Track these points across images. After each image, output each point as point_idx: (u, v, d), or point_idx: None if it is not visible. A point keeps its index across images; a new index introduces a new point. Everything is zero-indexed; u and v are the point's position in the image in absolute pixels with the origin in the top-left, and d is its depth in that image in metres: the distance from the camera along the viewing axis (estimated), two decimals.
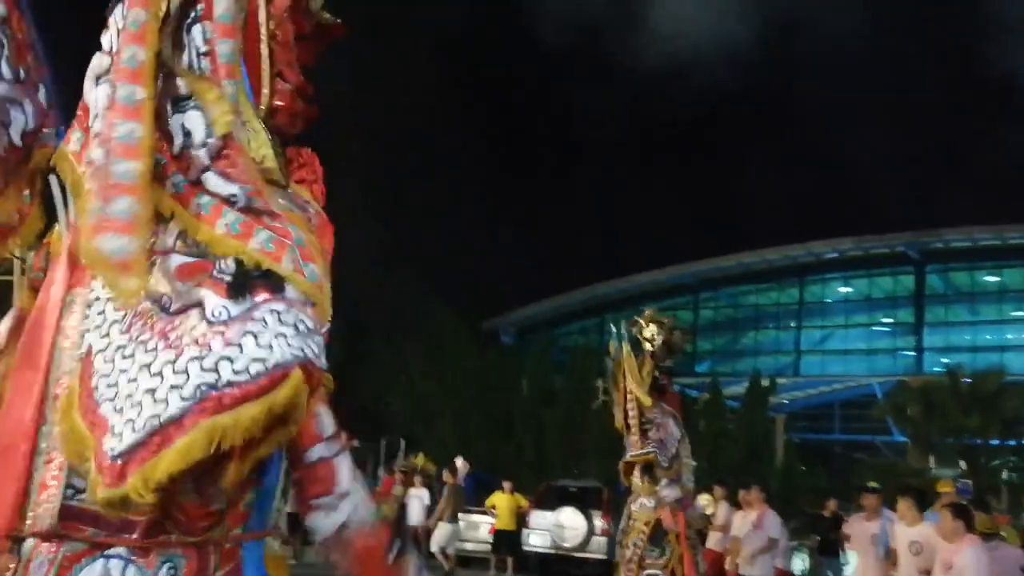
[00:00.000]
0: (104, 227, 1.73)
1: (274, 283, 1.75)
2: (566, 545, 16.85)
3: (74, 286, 1.88)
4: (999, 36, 73.87)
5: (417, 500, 16.06)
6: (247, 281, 1.74)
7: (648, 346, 9.16)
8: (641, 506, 8.67)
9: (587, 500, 17.19)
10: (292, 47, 2.09)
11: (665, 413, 8.86)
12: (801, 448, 34.04)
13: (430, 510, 16.14)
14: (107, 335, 1.77)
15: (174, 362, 1.67)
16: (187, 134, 1.83)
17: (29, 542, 1.77)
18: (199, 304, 1.72)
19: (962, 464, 27.03)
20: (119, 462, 1.64)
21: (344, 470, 2.04)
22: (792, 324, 48.81)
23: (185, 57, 1.89)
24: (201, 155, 1.81)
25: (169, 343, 1.69)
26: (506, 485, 17.48)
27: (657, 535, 8.56)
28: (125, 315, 1.77)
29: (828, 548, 15.93)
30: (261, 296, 1.72)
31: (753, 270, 48.13)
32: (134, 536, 1.75)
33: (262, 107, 2.02)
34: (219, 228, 1.78)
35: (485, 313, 45.82)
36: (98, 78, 1.90)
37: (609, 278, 50.62)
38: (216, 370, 1.64)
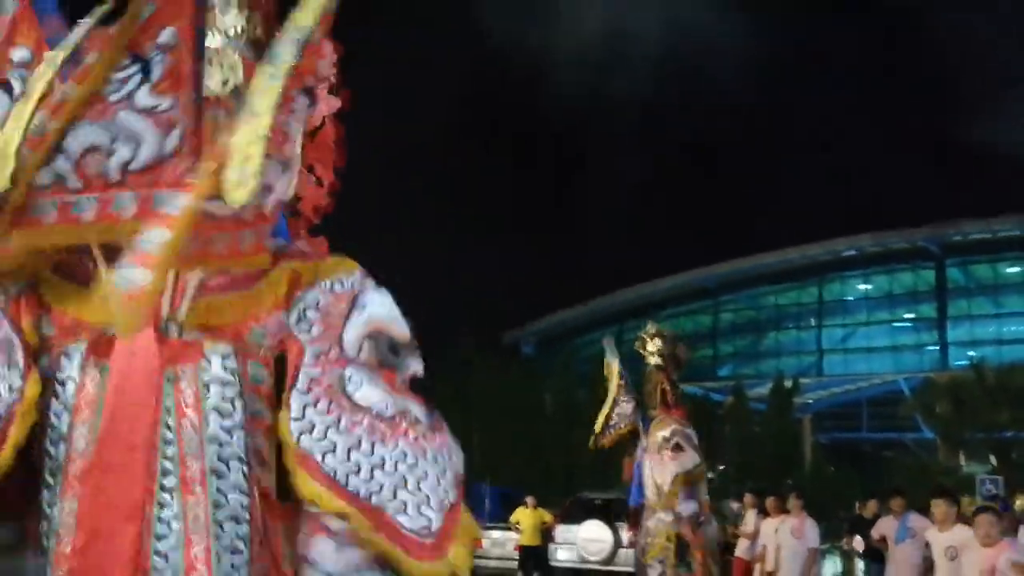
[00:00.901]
0: (134, 259, 1.73)
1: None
2: (592, 559, 16.67)
3: (176, 361, 1.92)
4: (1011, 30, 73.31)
5: None
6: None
7: (656, 360, 9.10)
8: (659, 521, 8.56)
9: (613, 512, 16.99)
10: (331, 148, 2.22)
11: (684, 425, 8.77)
12: (829, 449, 33.71)
13: None
14: (321, 435, 1.97)
15: (425, 456, 2.01)
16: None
17: None
18: (407, 410, 2.03)
19: (992, 460, 26.65)
20: (432, 540, 1.96)
21: None
22: (813, 323, 48.45)
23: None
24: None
25: (410, 440, 2.00)
26: (529, 500, 17.31)
27: (682, 551, 8.49)
28: (331, 416, 1.99)
29: (875, 552, 15.65)
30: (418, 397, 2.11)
31: (772, 270, 47.84)
32: None
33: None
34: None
35: (505, 324, 45.80)
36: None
37: (628, 284, 50.47)
38: (453, 460, 2.09)
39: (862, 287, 47.96)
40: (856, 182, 70.35)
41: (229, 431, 1.94)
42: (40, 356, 2.01)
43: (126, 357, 1.90)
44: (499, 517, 19.31)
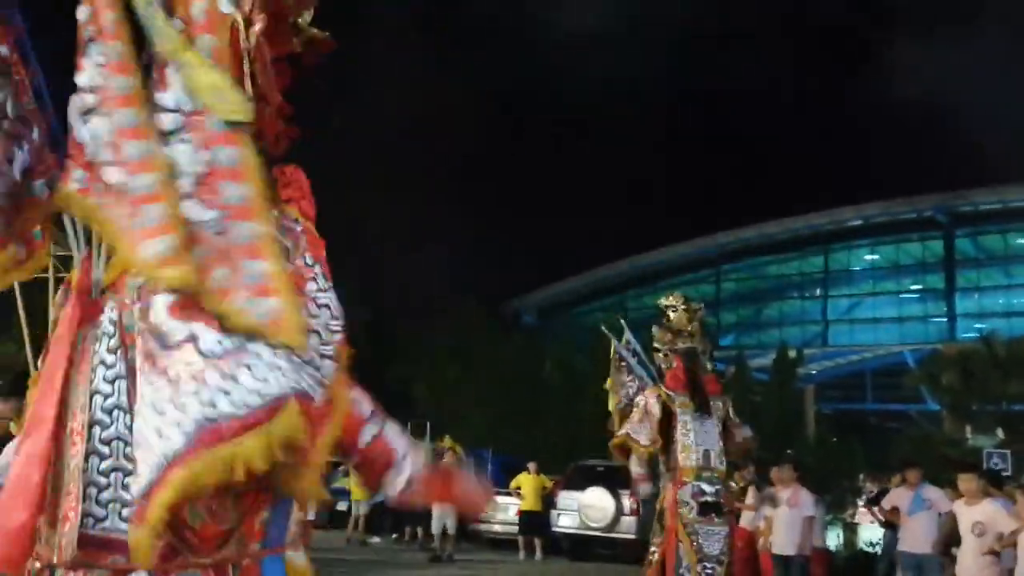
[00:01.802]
0: (143, 236, 1.83)
1: None
2: (594, 525, 16.56)
3: (84, 322, 1.98)
4: None
5: None
6: None
7: (692, 335, 9.33)
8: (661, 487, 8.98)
9: (615, 480, 16.82)
10: (270, 69, 2.15)
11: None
12: (832, 420, 33.57)
13: None
14: (114, 384, 1.93)
15: (173, 399, 1.77)
16: (171, 164, 1.92)
17: (59, 572, 1.89)
18: (193, 338, 1.80)
19: (1000, 432, 26.41)
20: (143, 503, 1.76)
21: (394, 435, 2.22)
22: (818, 293, 48.19)
23: (171, 94, 1.98)
24: (185, 184, 1.90)
25: (168, 379, 1.78)
26: (531, 466, 17.30)
27: (660, 514, 8.89)
28: (140, 360, 1.87)
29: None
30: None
31: (776, 240, 47.45)
32: (153, 560, 1.85)
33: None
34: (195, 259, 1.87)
35: (506, 294, 45.70)
36: (84, 114, 1.98)
37: (629, 254, 50.17)
38: (213, 404, 1.74)
39: (868, 257, 47.61)
40: (861, 149, 69.80)
41: (111, 381, 1.94)
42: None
43: (64, 322, 2.02)
44: (501, 483, 19.22)
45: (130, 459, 1.88)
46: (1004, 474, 17.42)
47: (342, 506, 17.64)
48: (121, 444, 1.91)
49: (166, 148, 1.94)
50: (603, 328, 10.20)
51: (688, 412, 9.16)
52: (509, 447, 23.80)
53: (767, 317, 48.34)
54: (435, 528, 15.52)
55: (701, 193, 64.50)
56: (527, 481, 16.93)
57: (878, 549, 18.60)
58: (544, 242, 57.59)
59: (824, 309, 47.44)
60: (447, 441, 19.38)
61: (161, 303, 1.85)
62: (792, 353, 31.17)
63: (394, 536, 18.15)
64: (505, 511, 17.84)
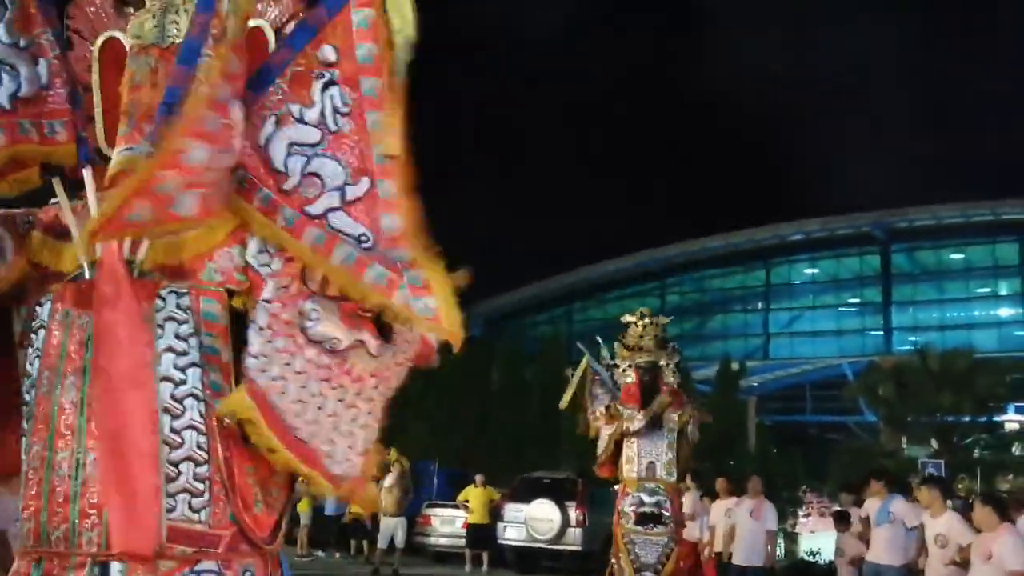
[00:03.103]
0: (413, 292, 1.99)
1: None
2: (541, 538, 16.60)
3: (142, 300, 1.96)
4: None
5: (389, 494, 15.66)
6: (384, 320, 2.01)
7: (656, 347, 9.73)
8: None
9: (561, 492, 16.93)
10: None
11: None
12: (773, 431, 34.03)
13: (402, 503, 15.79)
14: (277, 374, 1.92)
15: (360, 394, 1.98)
16: (311, 175, 2.01)
17: (117, 565, 1.85)
18: (363, 343, 1.96)
19: (934, 443, 27.02)
20: (353, 484, 2.01)
21: None
22: (760, 307, 48.85)
23: (314, 111, 2.07)
24: (333, 197, 2.00)
25: (352, 379, 1.97)
26: (477, 478, 17.25)
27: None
28: (285, 354, 1.93)
29: None
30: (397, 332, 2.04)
31: (719, 254, 48.04)
32: (220, 550, 1.90)
33: None
34: (334, 260, 1.96)
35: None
36: (301, 147, 2.07)
37: (575, 266, 50.46)
38: (388, 391, 2.08)
39: (808, 271, 48.42)
40: (803, 167, 71.07)
41: (183, 369, 1.95)
42: (21, 307, 2.14)
43: (112, 301, 1.94)
44: (447, 496, 19.17)
45: (202, 448, 1.92)
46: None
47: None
48: (194, 433, 1.93)
49: (315, 160, 2.03)
50: (579, 345, 10.30)
51: (635, 425, 9.31)
52: (454, 459, 23.74)
53: (710, 330, 48.88)
54: (382, 541, 15.44)
55: (647, 207, 65.11)
56: (475, 494, 16.86)
57: (818, 558, 18.98)
58: (491, 253, 57.66)
59: (766, 322, 48.12)
60: (392, 454, 19.27)
61: (322, 309, 1.95)
62: (735, 365, 31.58)
63: (337, 553, 17.99)
64: (451, 524, 17.79)
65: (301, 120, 2.08)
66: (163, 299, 1.97)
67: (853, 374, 36.69)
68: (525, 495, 17.09)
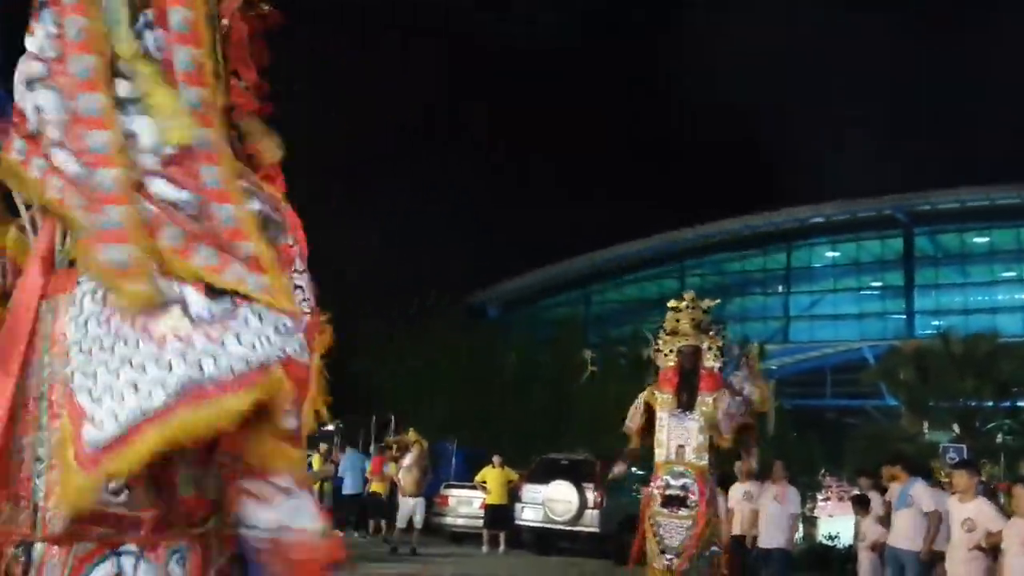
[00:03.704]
0: (103, 239, 1.78)
1: None
2: (558, 519, 16.61)
3: (56, 292, 1.87)
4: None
5: (408, 473, 15.72)
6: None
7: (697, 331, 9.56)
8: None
9: (579, 473, 16.91)
10: (245, 45, 2.11)
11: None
12: (792, 415, 33.95)
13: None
14: (84, 327, 1.81)
15: (157, 357, 1.74)
16: (129, 136, 1.85)
17: (39, 547, 1.82)
18: (181, 301, 1.77)
19: (956, 428, 26.86)
20: (100, 452, 1.70)
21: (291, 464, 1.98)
22: (780, 290, 48.69)
23: (34, 42, 1.89)
24: (147, 160, 1.84)
25: (152, 338, 1.75)
26: (495, 459, 17.28)
27: None
28: (103, 309, 1.79)
29: None
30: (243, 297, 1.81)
31: (739, 237, 47.88)
32: (142, 533, 1.83)
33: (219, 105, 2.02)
34: (162, 241, 1.81)
35: (471, 287, 45.70)
36: (30, 82, 1.88)
37: (594, 249, 50.39)
38: (200, 366, 1.73)
39: (829, 255, 48.17)
40: (823, 149, 70.56)
41: None
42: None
43: (19, 292, 1.91)
44: (465, 476, 19.21)
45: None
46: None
47: None
48: None
49: (125, 118, 1.85)
50: (646, 333, 10.49)
51: (667, 409, 9.35)
52: (472, 440, 23.81)
53: (729, 313, 48.83)
54: (401, 521, 15.51)
55: (666, 189, 64.85)
56: (492, 475, 16.92)
57: (837, 542, 18.88)
58: (509, 235, 57.59)
59: (786, 305, 47.97)
60: (412, 435, 19.32)
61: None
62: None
63: (356, 532, 18.09)
64: (469, 504, 17.84)
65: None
66: (80, 286, 1.87)
67: (874, 358, 36.52)
68: (543, 476, 17.11)
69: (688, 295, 10.15)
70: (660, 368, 9.83)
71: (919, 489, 9.36)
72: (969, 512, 7.84)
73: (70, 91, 1.84)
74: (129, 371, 1.74)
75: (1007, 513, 7.67)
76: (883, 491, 11.33)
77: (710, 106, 70.51)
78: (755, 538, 11.41)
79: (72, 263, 1.88)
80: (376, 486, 17.32)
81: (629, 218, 57.86)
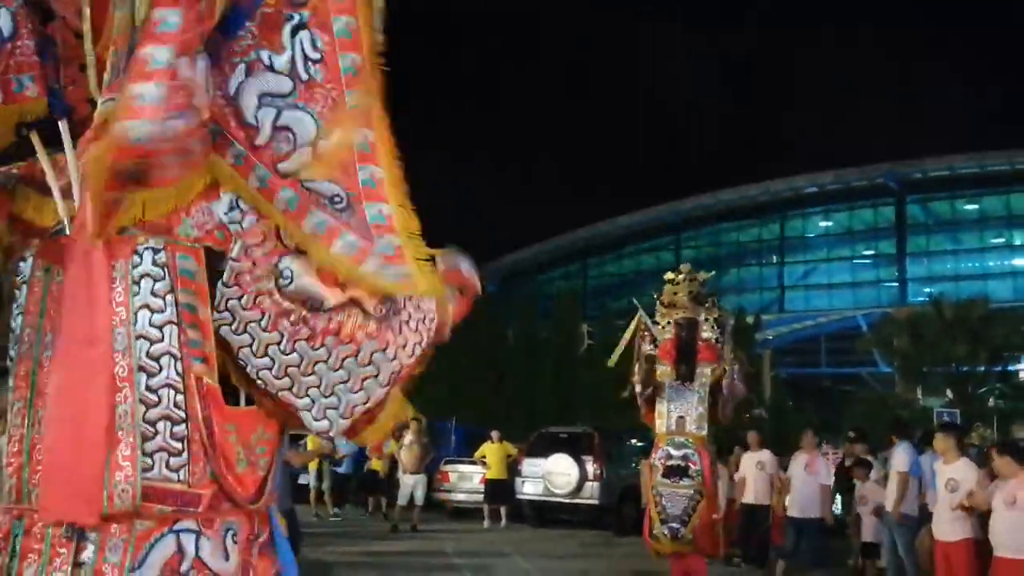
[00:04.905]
0: (390, 260, 1.98)
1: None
2: (558, 492, 16.74)
3: (111, 258, 1.89)
4: None
5: (408, 451, 15.86)
6: None
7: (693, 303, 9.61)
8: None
9: (578, 446, 17.03)
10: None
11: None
12: (788, 383, 34.17)
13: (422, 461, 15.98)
14: (241, 329, 1.93)
15: (356, 356, 1.98)
16: (283, 129, 1.95)
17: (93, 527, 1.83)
18: (358, 303, 1.97)
19: (949, 393, 27.09)
20: (339, 434, 2.06)
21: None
22: (775, 260, 48.80)
23: (284, 58, 1.98)
24: (305, 153, 1.94)
25: (340, 339, 1.96)
26: (494, 434, 17.33)
27: None
28: (235, 288, 1.93)
29: None
30: (407, 298, 2.09)
31: (734, 207, 47.93)
32: (200, 509, 1.89)
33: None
34: (306, 228, 1.93)
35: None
36: (274, 98, 1.99)
37: (590, 222, 50.44)
38: (396, 357, 2.05)
39: (823, 224, 48.25)
40: (818, 118, 70.43)
41: (159, 327, 1.89)
42: (7, 261, 2.08)
43: (79, 258, 1.89)
44: (464, 452, 19.33)
45: (179, 407, 1.88)
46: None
47: (304, 480, 17.52)
48: (171, 392, 1.88)
49: (286, 112, 1.96)
50: (634, 301, 10.37)
51: (667, 380, 9.48)
52: (471, 416, 23.86)
53: (726, 283, 48.98)
54: (402, 498, 15.62)
55: (661, 161, 64.81)
56: (491, 450, 16.95)
57: (833, 508, 19.08)
58: (507, 209, 57.60)
59: (781, 275, 48.11)
60: (410, 412, 19.36)
61: (299, 268, 1.95)
62: (750, 319, 31.66)
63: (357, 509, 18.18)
64: (469, 480, 17.95)
65: (271, 68, 1.98)
66: (140, 256, 1.90)
67: (868, 326, 36.70)
68: (542, 450, 17.19)
69: (684, 267, 10.21)
70: (658, 342, 9.90)
71: (899, 452, 9.57)
72: (952, 472, 8.05)
73: (330, 119, 1.99)
74: (330, 372, 1.99)
75: (993, 476, 7.88)
76: (874, 455, 11.54)
77: (702, 76, 70.35)
78: (767, 507, 11.69)
79: (122, 230, 1.91)
80: (376, 464, 17.43)
81: (625, 190, 57.89)
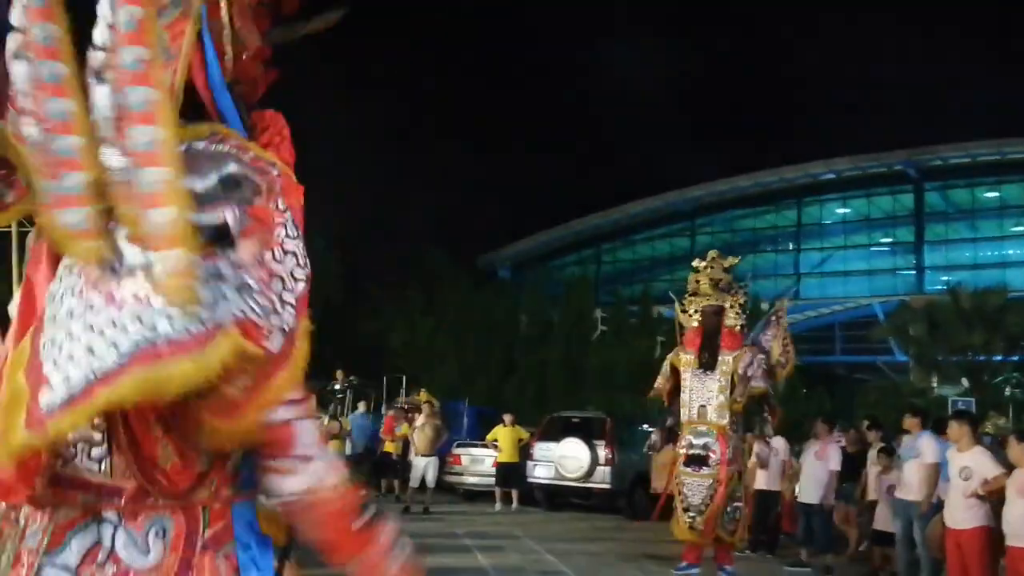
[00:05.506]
0: (61, 203, 1.74)
1: (223, 242, 1.76)
2: (570, 476, 16.79)
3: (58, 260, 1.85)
4: None
5: (421, 433, 15.94)
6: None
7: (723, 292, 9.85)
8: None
9: (590, 431, 17.07)
10: (250, 12, 2.08)
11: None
12: (803, 371, 34.03)
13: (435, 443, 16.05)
14: (60, 300, 1.77)
15: (115, 320, 1.68)
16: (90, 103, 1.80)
17: (24, 509, 1.85)
18: (148, 266, 1.70)
19: (964, 382, 26.96)
20: (49, 415, 1.65)
21: (306, 434, 1.94)
22: (791, 247, 48.55)
23: (100, 31, 1.82)
24: (104, 128, 1.78)
25: (114, 302, 1.70)
26: (506, 418, 17.39)
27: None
28: (78, 281, 1.75)
29: None
30: (207, 254, 1.72)
31: (749, 193, 47.71)
32: (122, 502, 1.83)
33: (226, 73, 2.02)
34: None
35: (481, 248, 45.77)
36: (14, 57, 1.82)
37: (603, 208, 50.31)
38: (154, 327, 1.65)
39: (840, 211, 47.96)
40: (836, 104, 69.97)
41: None
42: None
43: (37, 260, 1.92)
44: (476, 435, 19.41)
45: None
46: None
47: None
48: None
49: (96, 90, 1.78)
50: (671, 295, 10.43)
51: (689, 369, 9.47)
52: (483, 399, 23.96)
53: (741, 270, 48.74)
54: (414, 480, 15.70)
55: (676, 146, 64.54)
56: (504, 433, 17.03)
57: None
58: (520, 195, 57.56)
59: (796, 262, 47.88)
60: (423, 394, 19.47)
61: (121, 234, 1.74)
62: (765, 306, 31.57)
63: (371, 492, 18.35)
64: (481, 463, 18.03)
65: None
66: None
67: (883, 314, 36.52)
68: (554, 434, 17.24)
69: (712, 253, 10.18)
70: (685, 329, 9.94)
71: (925, 441, 9.49)
72: (965, 460, 8.03)
73: (32, 57, 1.78)
74: (88, 335, 1.68)
75: (1009, 464, 7.84)
76: (889, 442, 11.51)
77: (721, 60, 70.01)
78: (778, 493, 11.89)
79: None
80: (389, 446, 17.52)
81: (639, 176, 57.71)
